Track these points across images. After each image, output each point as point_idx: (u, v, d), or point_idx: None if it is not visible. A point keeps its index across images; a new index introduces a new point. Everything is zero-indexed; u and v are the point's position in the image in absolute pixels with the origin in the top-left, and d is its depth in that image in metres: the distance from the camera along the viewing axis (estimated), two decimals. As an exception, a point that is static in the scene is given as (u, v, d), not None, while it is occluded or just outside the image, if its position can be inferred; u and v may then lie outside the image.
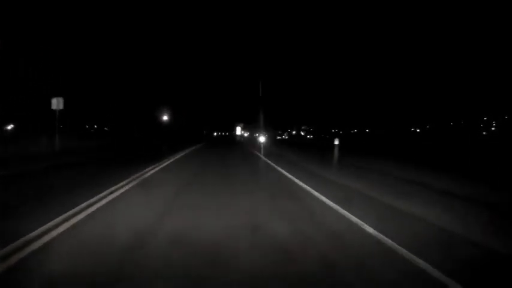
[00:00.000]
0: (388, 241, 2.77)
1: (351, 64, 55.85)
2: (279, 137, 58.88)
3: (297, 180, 6.33)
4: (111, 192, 4.62)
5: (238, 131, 47.69)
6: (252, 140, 35.16)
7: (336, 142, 13.04)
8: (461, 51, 43.41)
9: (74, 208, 3.58)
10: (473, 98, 45.14)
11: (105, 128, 36.36)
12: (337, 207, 4.04)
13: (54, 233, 2.79)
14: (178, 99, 43.45)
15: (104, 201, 4.07)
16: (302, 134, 65.99)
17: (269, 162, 10.43)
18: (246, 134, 49.52)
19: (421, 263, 2.31)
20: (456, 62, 43.31)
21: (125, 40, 35.62)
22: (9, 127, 30.03)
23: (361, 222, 3.34)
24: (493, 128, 40.50)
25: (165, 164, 8.89)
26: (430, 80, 46.60)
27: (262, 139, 26.43)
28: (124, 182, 5.50)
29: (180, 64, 59.80)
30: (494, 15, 38.07)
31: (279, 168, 8.38)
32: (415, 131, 51.89)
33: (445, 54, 44.24)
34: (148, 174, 6.87)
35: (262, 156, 13.21)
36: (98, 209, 3.70)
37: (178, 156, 11.89)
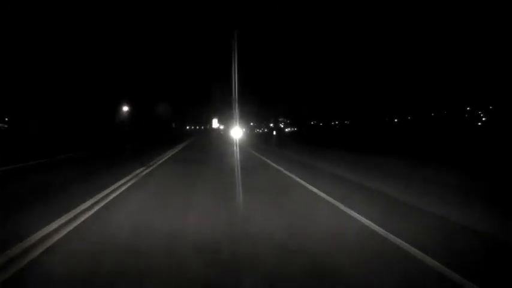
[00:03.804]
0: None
1: (330, 54, 51.52)
2: (257, 130, 53.89)
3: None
4: None
5: (215, 123, 41.48)
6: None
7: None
8: (442, 44, 41.23)
9: None
10: (455, 89, 43.70)
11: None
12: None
13: None
14: (137, 85, 34.86)
15: None
16: (281, 126, 60.71)
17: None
18: (221, 127, 44.41)
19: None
20: (437, 53, 41.03)
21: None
22: None
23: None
24: (483, 119, 39.00)
25: None
26: (411, 70, 44.18)
27: (237, 134, 20.57)
28: None
29: (146, 47, 49.78)
30: (476, 7, 35.86)
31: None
32: (403, 121, 49.68)
33: (425, 46, 41.72)
34: None
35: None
36: None
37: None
